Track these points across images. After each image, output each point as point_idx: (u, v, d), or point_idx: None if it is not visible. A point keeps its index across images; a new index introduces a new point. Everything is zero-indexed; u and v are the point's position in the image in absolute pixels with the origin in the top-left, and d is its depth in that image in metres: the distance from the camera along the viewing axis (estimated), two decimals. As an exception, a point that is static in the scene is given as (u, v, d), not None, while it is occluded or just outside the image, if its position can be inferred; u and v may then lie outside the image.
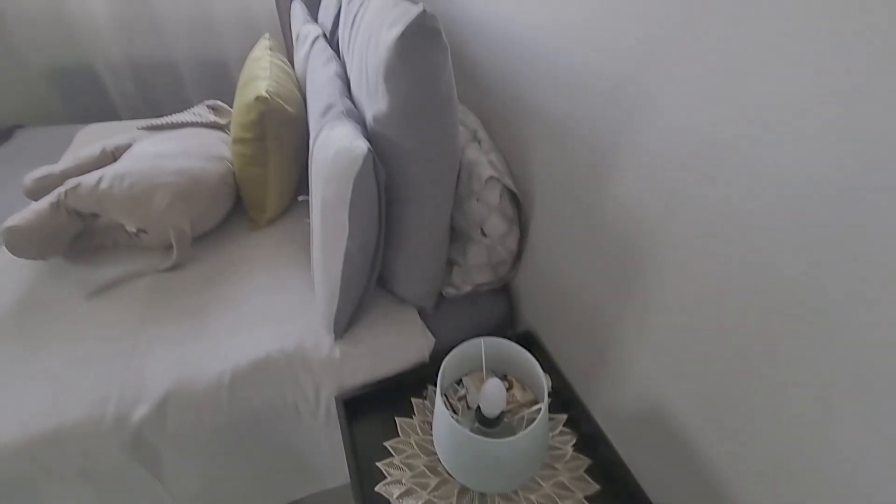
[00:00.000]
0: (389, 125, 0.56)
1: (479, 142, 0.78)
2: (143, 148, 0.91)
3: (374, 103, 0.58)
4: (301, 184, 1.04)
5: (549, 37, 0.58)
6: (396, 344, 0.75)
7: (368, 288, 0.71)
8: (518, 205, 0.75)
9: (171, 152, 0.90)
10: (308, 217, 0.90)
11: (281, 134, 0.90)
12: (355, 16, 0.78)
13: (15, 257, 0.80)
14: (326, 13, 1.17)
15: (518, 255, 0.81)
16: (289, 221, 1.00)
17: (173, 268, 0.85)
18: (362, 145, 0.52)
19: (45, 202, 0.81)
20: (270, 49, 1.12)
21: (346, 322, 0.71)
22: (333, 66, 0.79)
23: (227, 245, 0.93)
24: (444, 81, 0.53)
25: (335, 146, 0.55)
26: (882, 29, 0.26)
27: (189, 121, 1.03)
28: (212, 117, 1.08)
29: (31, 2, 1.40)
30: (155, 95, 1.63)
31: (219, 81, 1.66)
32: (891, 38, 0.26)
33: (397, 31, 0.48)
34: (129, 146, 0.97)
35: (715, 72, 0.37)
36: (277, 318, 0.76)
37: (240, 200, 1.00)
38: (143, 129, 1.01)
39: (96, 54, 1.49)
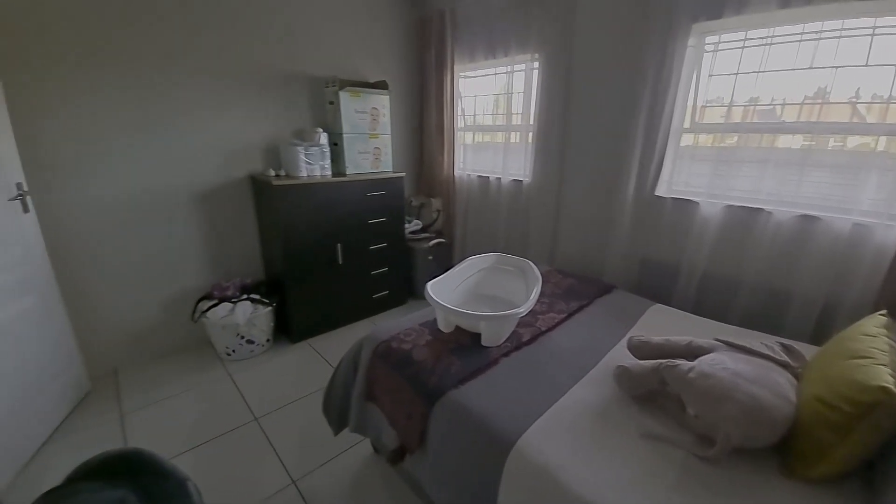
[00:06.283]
0: None
1: None
2: (724, 360, 1.18)
3: None
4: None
5: None
6: None
7: None
8: None
9: (747, 376, 1.11)
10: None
11: (883, 425, 0.89)
12: None
13: (616, 385, 1.28)
14: None
15: None
16: (830, 494, 0.94)
17: (706, 459, 1.03)
18: None
19: (649, 363, 1.24)
20: (886, 329, 1.13)
21: None
22: None
23: (754, 472, 1.01)
24: None
25: None
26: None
27: (764, 353, 1.22)
28: (784, 356, 1.22)
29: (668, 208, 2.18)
30: (705, 300, 2.03)
31: (772, 309, 1.82)
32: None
33: None
34: (708, 350, 1.28)
35: None
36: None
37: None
38: (722, 341, 1.31)
39: (684, 258, 2.07)
